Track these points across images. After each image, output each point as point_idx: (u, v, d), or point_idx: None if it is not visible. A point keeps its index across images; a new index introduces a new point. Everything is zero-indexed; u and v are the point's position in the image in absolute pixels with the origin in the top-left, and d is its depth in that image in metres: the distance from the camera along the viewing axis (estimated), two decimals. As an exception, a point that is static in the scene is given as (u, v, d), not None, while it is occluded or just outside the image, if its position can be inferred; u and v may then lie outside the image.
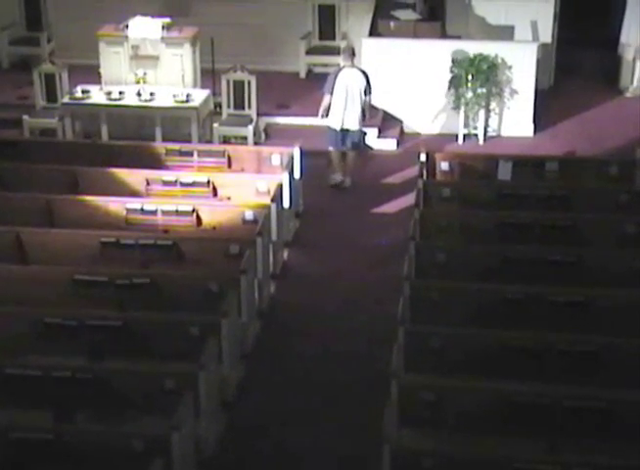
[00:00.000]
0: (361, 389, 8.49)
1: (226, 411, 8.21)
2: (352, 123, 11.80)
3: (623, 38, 14.59)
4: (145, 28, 12.71)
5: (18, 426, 6.98)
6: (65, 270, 8.68)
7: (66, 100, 12.44)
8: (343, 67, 11.81)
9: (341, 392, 8.51)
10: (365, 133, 12.84)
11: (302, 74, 14.31)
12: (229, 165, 10.92)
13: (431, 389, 7.26)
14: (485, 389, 7.36)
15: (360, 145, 12.15)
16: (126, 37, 12.71)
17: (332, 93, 11.70)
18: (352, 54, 11.83)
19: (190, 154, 10.88)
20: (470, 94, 12.96)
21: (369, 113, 12.10)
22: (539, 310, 8.23)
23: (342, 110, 11.73)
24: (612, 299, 8.33)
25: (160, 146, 11.28)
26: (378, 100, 13.40)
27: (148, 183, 10.34)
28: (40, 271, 8.77)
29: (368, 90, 11.79)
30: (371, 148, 12.92)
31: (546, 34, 14.24)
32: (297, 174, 10.89)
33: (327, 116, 11.83)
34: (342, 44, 13.43)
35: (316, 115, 11.96)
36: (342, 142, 11.92)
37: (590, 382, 7.58)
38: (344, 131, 11.84)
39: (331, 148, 11.98)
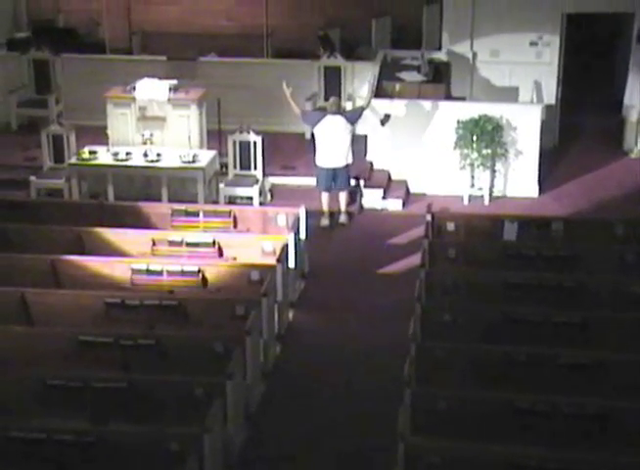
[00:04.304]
0: (368, 451, 8.39)
1: (231, 474, 8.13)
2: (339, 161, 12.36)
3: (627, 100, 14.70)
4: (152, 90, 12.84)
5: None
6: (69, 331, 8.65)
7: (73, 161, 12.51)
8: (328, 113, 12.33)
9: (347, 454, 8.41)
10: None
11: (308, 135, 14.38)
12: (235, 226, 10.95)
13: (437, 452, 7.17)
14: (492, 452, 7.26)
15: (349, 182, 12.63)
16: (133, 99, 12.85)
17: (312, 128, 12.47)
18: (339, 105, 12.50)
19: (196, 214, 10.92)
20: (475, 155, 13.02)
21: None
22: (546, 372, 8.17)
23: (328, 151, 12.30)
24: (618, 361, 8.26)
25: (166, 206, 11.32)
26: (383, 161, 13.51)
27: (154, 243, 10.36)
28: (45, 332, 8.74)
29: (361, 113, 12.50)
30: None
31: (550, 96, 14.36)
32: (302, 235, 10.90)
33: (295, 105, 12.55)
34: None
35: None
36: (332, 180, 12.38)
37: (598, 446, 7.49)
38: (333, 170, 12.35)
39: (320, 190, 12.40)
